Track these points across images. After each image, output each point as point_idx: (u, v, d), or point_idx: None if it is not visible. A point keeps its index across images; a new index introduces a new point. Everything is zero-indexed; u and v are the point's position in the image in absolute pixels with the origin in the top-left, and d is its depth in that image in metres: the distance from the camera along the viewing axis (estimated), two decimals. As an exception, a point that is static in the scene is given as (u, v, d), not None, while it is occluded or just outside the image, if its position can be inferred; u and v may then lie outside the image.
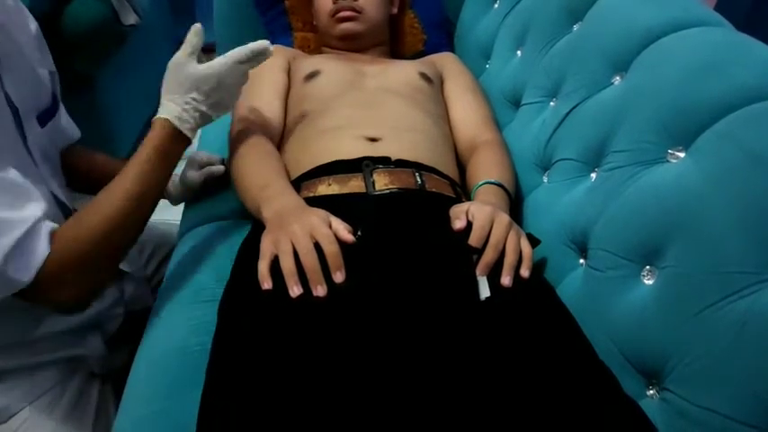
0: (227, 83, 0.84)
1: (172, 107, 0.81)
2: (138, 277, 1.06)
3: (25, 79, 0.79)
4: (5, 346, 0.82)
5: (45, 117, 0.85)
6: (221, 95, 0.85)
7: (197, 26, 0.87)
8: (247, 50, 0.85)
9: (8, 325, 0.81)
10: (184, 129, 0.81)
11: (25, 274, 0.67)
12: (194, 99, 0.82)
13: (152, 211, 0.80)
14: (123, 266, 1.00)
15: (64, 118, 0.95)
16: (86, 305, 0.76)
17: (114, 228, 0.74)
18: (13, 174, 0.69)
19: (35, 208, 0.70)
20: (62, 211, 0.83)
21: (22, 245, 0.66)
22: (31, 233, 0.68)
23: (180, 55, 0.85)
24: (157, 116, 0.81)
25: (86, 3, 1.59)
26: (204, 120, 0.84)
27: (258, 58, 0.86)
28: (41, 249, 0.69)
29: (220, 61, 0.85)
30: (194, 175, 1.05)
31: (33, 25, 0.86)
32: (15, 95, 0.75)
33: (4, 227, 0.66)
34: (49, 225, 0.71)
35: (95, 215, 0.74)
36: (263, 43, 0.85)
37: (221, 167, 1.07)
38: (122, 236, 0.76)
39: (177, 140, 0.81)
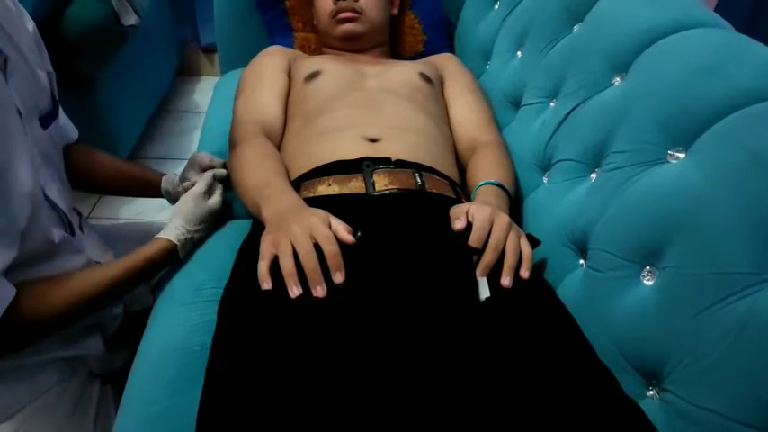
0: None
1: (180, 233, 0.91)
2: None
3: (27, 81, 0.79)
4: None
5: (47, 119, 0.85)
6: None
7: (221, 172, 1.01)
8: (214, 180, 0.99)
9: None
10: (180, 252, 0.91)
11: None
12: (197, 231, 0.94)
13: (121, 296, 0.90)
14: None
15: (62, 118, 0.95)
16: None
17: (86, 300, 0.79)
18: None
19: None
20: (58, 216, 0.83)
21: None
22: None
23: (203, 188, 0.96)
24: (164, 236, 0.90)
25: (86, 4, 1.59)
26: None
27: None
28: (5, 293, 0.70)
29: (216, 199, 0.97)
30: (195, 178, 1.05)
31: (31, 26, 0.86)
32: (18, 98, 0.75)
33: None
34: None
35: (74, 281, 0.79)
36: (221, 172, 1.00)
37: (223, 171, 1.07)
38: (88, 309, 0.81)
39: (170, 259, 0.90)
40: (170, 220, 0.93)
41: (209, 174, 0.99)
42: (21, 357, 0.83)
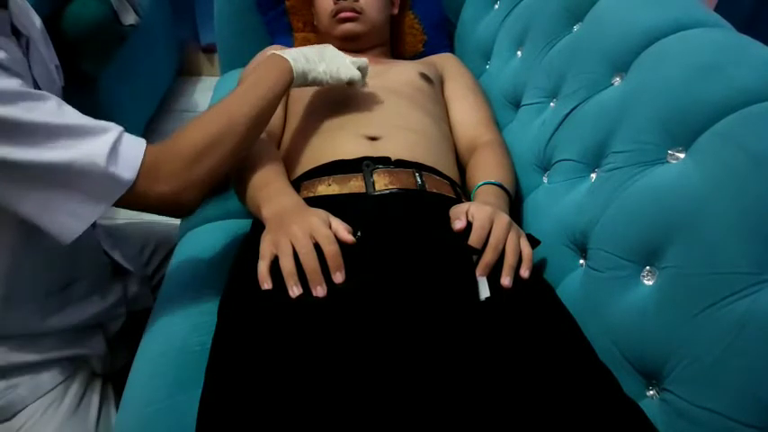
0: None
1: (295, 56, 0.89)
2: (139, 277, 1.06)
3: (44, 71, 0.81)
4: (12, 339, 0.82)
5: None
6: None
7: None
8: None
9: (18, 315, 0.81)
10: (283, 54, 0.88)
11: (129, 171, 0.67)
12: (303, 53, 0.91)
13: (253, 132, 0.83)
14: (126, 265, 1.01)
15: None
16: (189, 211, 0.76)
17: (221, 132, 0.76)
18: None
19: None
20: None
21: (118, 147, 0.67)
22: (123, 135, 0.69)
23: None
24: (279, 53, 0.89)
25: (86, 3, 1.59)
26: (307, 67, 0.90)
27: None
28: (138, 147, 0.70)
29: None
30: None
31: (38, 21, 0.87)
32: (41, 86, 0.77)
33: (96, 130, 0.67)
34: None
35: (190, 123, 0.77)
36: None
37: None
38: (214, 135, 0.76)
39: (272, 63, 0.87)
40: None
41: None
42: (26, 354, 0.83)
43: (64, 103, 0.67)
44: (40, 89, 0.74)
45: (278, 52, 0.89)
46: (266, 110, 0.83)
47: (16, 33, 0.77)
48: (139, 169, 0.68)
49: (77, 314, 0.89)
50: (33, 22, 0.85)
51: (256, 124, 0.82)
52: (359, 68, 0.97)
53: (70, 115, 0.66)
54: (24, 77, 0.68)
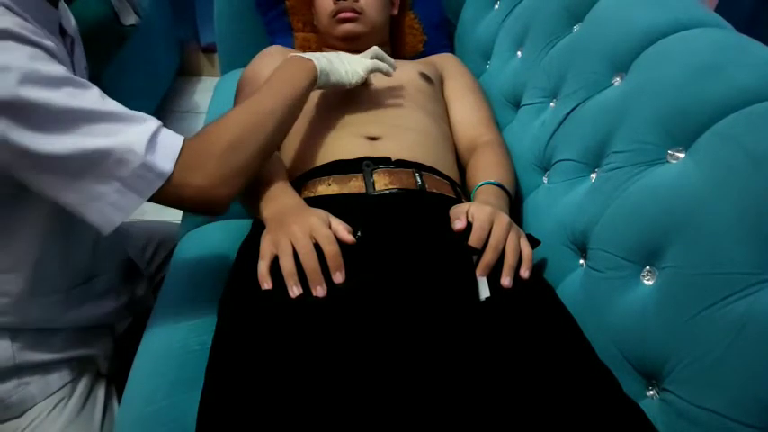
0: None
1: (319, 57, 0.91)
2: (145, 278, 1.07)
3: (81, 72, 0.82)
4: (28, 334, 0.83)
5: None
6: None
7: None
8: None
9: (41, 305, 0.82)
10: (305, 57, 0.90)
11: (166, 162, 0.68)
12: (323, 55, 0.93)
13: (283, 129, 0.83)
14: (140, 264, 1.02)
15: None
16: (222, 208, 0.75)
17: (249, 129, 0.76)
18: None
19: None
20: None
21: (156, 138, 0.68)
22: (161, 127, 0.70)
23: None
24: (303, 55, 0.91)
25: (86, 3, 1.59)
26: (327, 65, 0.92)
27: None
28: (176, 139, 0.70)
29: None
30: None
31: (74, 22, 0.88)
32: None
33: (137, 119, 0.67)
34: None
35: (220, 119, 0.77)
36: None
37: None
38: (245, 131, 0.77)
39: (297, 64, 0.88)
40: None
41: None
42: (38, 353, 0.84)
43: (102, 93, 0.67)
44: None
45: (298, 54, 0.91)
46: (294, 107, 0.84)
47: (63, 33, 0.78)
48: (177, 161, 0.68)
49: (94, 310, 0.91)
50: (72, 24, 0.86)
51: (285, 121, 0.82)
52: (375, 57, 0.99)
53: (112, 104, 0.67)
54: (68, 69, 0.69)
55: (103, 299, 0.93)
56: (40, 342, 0.84)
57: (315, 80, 0.88)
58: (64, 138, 0.62)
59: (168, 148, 0.68)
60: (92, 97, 0.65)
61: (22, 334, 0.82)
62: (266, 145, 0.78)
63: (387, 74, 1.00)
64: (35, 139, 0.60)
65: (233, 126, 0.75)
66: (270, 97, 0.82)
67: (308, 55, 0.91)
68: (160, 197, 0.68)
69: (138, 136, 0.66)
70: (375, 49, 1.01)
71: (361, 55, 0.99)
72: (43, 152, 0.61)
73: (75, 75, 0.73)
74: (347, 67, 0.94)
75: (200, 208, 0.75)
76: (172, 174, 0.68)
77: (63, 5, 0.81)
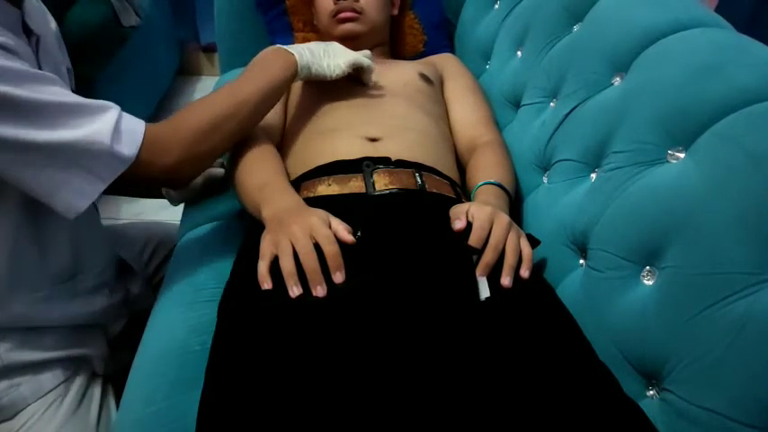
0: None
1: (301, 51, 0.93)
2: (141, 277, 1.07)
3: (53, 72, 0.80)
4: (16, 333, 0.82)
5: None
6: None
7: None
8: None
9: (23, 302, 0.82)
10: (288, 48, 0.92)
11: (131, 148, 0.71)
12: (308, 48, 0.95)
13: (255, 118, 0.87)
14: (131, 262, 1.01)
15: None
16: (185, 183, 0.82)
17: (220, 115, 0.80)
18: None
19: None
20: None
21: (120, 125, 0.71)
22: (122, 113, 0.72)
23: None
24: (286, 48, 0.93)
25: (87, 5, 1.59)
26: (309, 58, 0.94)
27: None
28: (138, 124, 0.73)
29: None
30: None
31: (53, 24, 0.88)
32: None
33: (99, 109, 0.70)
34: None
35: (196, 102, 0.82)
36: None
37: (221, 170, 1.08)
38: (225, 126, 0.81)
39: (278, 55, 0.91)
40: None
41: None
42: (28, 353, 0.83)
43: (65, 84, 0.69)
44: None
45: (283, 46, 0.93)
46: (269, 98, 0.87)
47: (28, 32, 0.78)
48: (141, 145, 0.72)
49: (83, 308, 0.90)
50: (48, 24, 0.86)
51: (259, 111, 0.86)
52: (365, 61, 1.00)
53: (73, 96, 0.69)
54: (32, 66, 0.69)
55: (93, 295, 0.92)
56: (29, 342, 0.83)
57: (295, 73, 0.91)
58: (30, 131, 0.63)
59: (132, 134, 0.72)
60: (54, 90, 0.66)
61: (10, 334, 0.82)
62: (236, 133, 0.83)
63: (368, 69, 1.02)
64: (1, 131, 0.62)
65: (205, 113, 0.79)
66: (246, 87, 0.85)
67: (294, 47, 0.93)
68: (124, 177, 0.72)
69: (102, 125, 0.68)
70: (368, 53, 1.03)
71: (355, 53, 1.00)
72: (8, 145, 0.63)
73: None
74: (330, 60, 0.96)
75: (165, 183, 0.82)
76: (136, 157, 0.71)
77: (32, 5, 0.81)
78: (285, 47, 0.93)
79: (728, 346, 0.56)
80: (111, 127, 0.69)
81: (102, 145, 0.68)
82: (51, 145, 0.65)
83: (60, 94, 0.67)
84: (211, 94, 0.83)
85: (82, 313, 0.90)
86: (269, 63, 0.90)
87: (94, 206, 0.92)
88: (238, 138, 0.85)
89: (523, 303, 0.70)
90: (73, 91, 0.88)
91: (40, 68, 0.76)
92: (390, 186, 0.84)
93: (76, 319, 0.89)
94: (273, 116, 1.03)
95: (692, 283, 0.61)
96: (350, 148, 0.91)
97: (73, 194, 0.69)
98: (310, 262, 0.66)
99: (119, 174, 0.71)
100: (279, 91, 0.89)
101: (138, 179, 0.74)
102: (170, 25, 2.36)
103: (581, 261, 0.80)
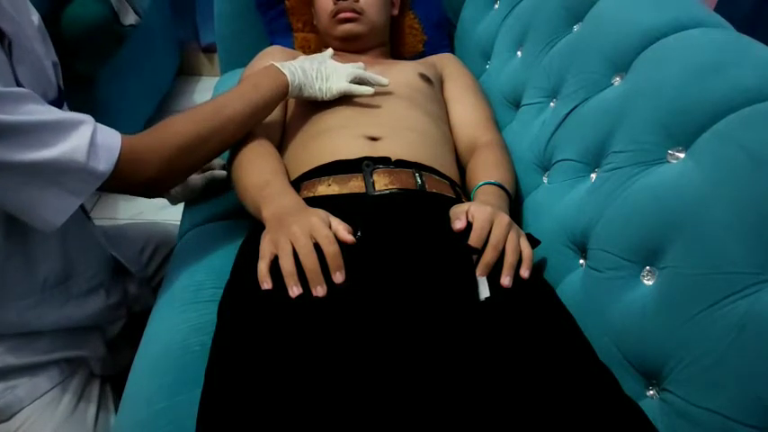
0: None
1: (293, 70, 0.94)
2: (139, 278, 1.06)
3: (34, 70, 0.80)
4: (10, 338, 0.82)
5: None
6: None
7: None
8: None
9: (14, 309, 0.81)
10: (281, 68, 0.92)
11: (108, 164, 0.71)
12: (302, 67, 0.96)
13: (238, 135, 0.88)
14: (128, 265, 1.01)
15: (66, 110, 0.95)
16: (161, 193, 0.82)
17: (204, 128, 0.81)
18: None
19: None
20: None
21: (95, 140, 0.70)
22: (96, 126, 0.71)
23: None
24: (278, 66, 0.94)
25: (86, 3, 1.59)
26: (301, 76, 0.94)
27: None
28: (114, 138, 0.73)
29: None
30: (195, 178, 1.07)
31: (36, 17, 0.87)
32: (26, 86, 0.75)
33: (73, 124, 0.69)
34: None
35: (181, 115, 0.82)
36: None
37: (222, 172, 1.08)
38: (208, 137, 0.82)
39: (269, 73, 0.92)
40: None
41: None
42: (23, 355, 0.83)
43: (39, 99, 0.68)
44: None
45: (277, 64, 0.93)
46: (256, 116, 0.89)
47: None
48: (118, 159, 0.71)
49: (78, 311, 0.89)
50: (28, 15, 0.84)
51: (244, 128, 0.88)
52: (359, 77, 1.00)
53: (47, 112, 0.68)
54: (6, 79, 0.69)
55: (89, 298, 0.92)
56: (23, 346, 0.83)
57: (285, 94, 0.93)
58: (6, 152, 0.63)
59: (108, 150, 0.71)
60: (28, 108, 0.65)
61: (3, 339, 0.81)
62: (218, 149, 0.84)
63: (361, 96, 1.01)
64: None
65: (188, 128, 0.79)
66: (233, 104, 0.85)
67: (287, 65, 0.94)
68: (104, 189, 0.72)
69: (78, 141, 0.68)
70: (360, 64, 1.03)
71: (349, 65, 1.00)
72: None
73: (17, 76, 0.73)
74: (322, 84, 0.97)
75: (143, 194, 0.81)
76: (113, 171, 0.71)
77: (7, 1, 0.80)
78: (279, 64, 0.93)
79: (728, 347, 0.56)
80: (86, 142, 0.68)
81: (78, 163, 0.67)
82: (27, 165, 0.64)
83: (34, 111, 0.66)
84: (197, 108, 0.83)
85: (76, 316, 0.89)
86: (260, 81, 0.90)
87: (83, 210, 0.91)
88: (220, 153, 0.86)
89: (523, 303, 0.70)
90: (59, 85, 0.88)
91: (14, 72, 0.74)
92: (390, 186, 0.84)
93: (71, 322, 0.88)
94: (274, 116, 1.03)
95: (692, 283, 0.61)
96: (350, 147, 0.91)
97: (49, 211, 0.68)
98: (310, 262, 0.66)
99: (94, 189, 0.70)
100: (266, 110, 0.90)
101: (114, 191, 0.74)
102: (170, 25, 2.35)
103: (581, 261, 0.80)
